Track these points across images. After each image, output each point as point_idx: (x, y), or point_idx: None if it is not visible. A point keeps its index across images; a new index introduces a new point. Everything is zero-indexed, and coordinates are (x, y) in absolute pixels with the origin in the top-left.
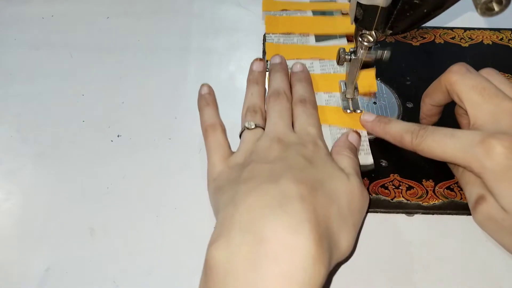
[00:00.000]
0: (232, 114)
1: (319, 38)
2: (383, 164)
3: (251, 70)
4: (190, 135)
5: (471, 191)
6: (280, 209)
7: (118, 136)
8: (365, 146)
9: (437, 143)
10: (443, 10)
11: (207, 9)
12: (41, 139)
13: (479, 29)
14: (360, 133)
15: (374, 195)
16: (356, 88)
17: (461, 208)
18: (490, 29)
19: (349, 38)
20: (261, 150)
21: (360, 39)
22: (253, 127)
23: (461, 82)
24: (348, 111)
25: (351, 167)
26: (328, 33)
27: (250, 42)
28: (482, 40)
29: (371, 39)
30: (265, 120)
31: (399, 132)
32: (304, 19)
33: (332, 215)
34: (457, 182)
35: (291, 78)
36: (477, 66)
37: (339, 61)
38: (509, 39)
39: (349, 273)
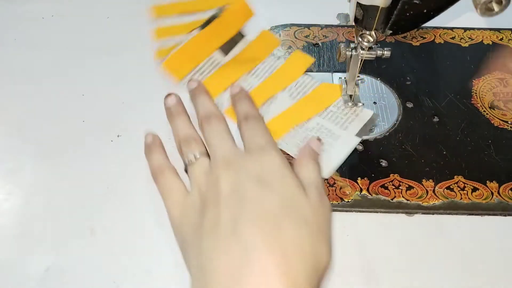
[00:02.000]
0: None
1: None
2: (383, 164)
3: (166, 108)
4: None
5: None
6: (248, 270)
7: (118, 136)
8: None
9: None
10: (443, 10)
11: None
12: (41, 139)
13: (479, 29)
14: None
15: (374, 195)
16: (356, 84)
17: (461, 208)
18: (490, 29)
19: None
20: (212, 184)
21: (360, 39)
22: (193, 159)
23: None
24: (350, 103)
25: (309, 177)
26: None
27: None
28: (482, 40)
29: (371, 39)
30: (204, 146)
31: None
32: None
33: (302, 241)
34: (457, 182)
35: (231, 102)
36: (477, 66)
37: (340, 57)
38: (509, 39)
39: (349, 273)
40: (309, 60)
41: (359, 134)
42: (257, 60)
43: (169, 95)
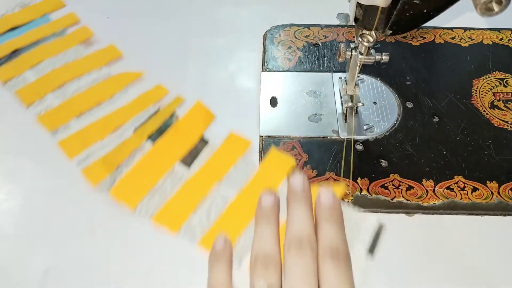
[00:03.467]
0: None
1: None
2: (383, 164)
3: (259, 206)
4: None
5: None
6: None
7: None
8: None
9: None
10: (443, 10)
11: (207, 9)
12: (40, 139)
13: (479, 29)
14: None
15: (374, 195)
16: (356, 84)
17: (461, 208)
18: (490, 29)
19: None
20: None
21: (360, 39)
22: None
23: None
24: (350, 103)
25: None
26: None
27: (250, 42)
28: (482, 40)
29: (371, 39)
30: (281, 275)
31: None
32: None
33: None
34: (457, 182)
35: (315, 212)
36: (477, 66)
37: (340, 57)
38: (509, 39)
39: None
40: (290, 161)
41: (371, 249)
42: (227, 165)
43: (268, 192)
